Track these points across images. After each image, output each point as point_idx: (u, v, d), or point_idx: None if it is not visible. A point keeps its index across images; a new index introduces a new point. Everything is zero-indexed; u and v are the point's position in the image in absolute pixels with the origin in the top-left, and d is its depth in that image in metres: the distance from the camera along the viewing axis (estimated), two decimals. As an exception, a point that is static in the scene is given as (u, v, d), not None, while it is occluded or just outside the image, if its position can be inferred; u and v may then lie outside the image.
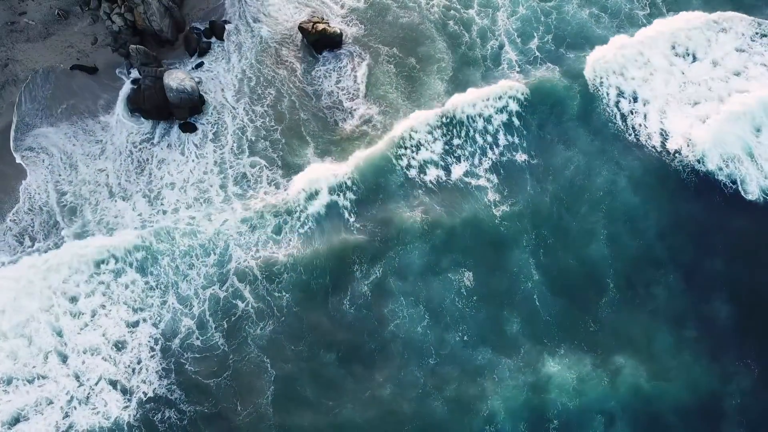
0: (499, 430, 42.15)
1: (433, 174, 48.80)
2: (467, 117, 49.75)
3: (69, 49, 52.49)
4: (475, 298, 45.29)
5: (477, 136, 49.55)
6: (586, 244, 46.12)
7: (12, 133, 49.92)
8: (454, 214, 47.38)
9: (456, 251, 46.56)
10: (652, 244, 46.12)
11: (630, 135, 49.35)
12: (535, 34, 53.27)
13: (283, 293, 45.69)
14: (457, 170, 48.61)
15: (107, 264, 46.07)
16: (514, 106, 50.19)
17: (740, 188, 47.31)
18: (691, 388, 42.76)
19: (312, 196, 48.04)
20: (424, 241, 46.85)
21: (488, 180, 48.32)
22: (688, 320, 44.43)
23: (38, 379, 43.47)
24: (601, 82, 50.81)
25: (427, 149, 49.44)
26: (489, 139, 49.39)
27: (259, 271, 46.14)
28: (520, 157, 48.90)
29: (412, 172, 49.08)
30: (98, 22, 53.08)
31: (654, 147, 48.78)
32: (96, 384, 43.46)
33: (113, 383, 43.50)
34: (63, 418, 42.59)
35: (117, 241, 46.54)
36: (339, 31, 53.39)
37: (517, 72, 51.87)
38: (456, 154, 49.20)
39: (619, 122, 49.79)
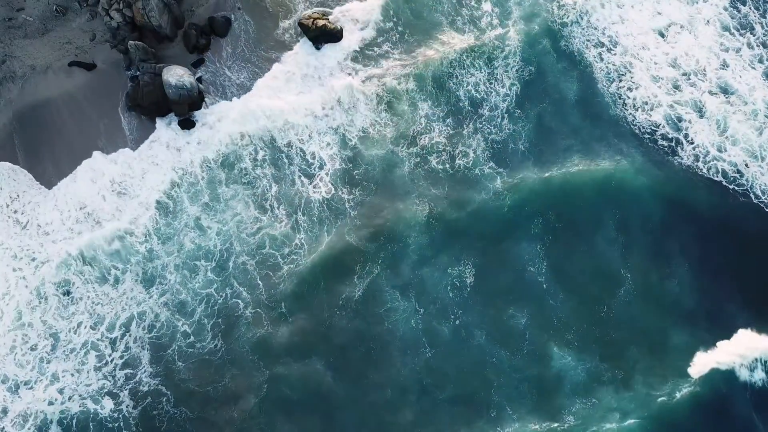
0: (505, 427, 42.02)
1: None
2: None
3: (67, 45, 52.07)
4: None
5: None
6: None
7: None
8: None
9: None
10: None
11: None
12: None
13: (281, 294, 45.52)
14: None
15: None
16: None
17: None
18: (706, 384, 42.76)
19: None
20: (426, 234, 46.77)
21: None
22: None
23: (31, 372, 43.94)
24: None
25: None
26: None
27: (257, 269, 46.01)
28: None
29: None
30: (96, 18, 52.63)
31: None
32: (88, 375, 43.86)
33: (105, 376, 43.84)
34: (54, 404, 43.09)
35: None
36: (339, 27, 52.90)
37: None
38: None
39: None
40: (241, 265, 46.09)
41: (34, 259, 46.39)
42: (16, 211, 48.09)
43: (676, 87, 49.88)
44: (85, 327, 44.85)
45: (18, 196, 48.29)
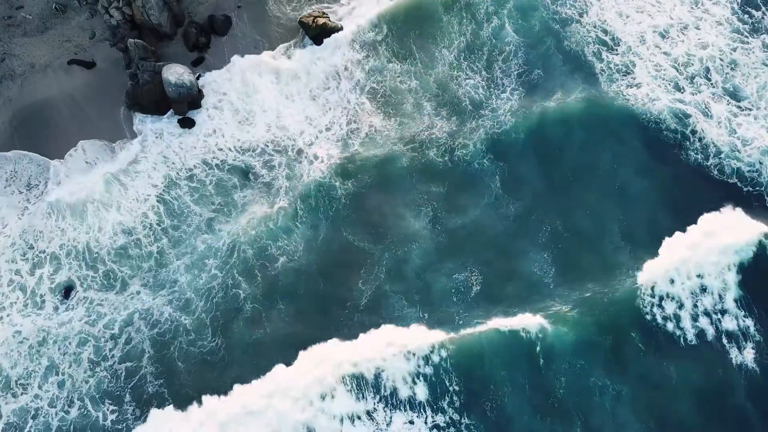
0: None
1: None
2: None
3: (66, 43, 51.88)
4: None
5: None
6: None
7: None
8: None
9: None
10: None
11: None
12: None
13: (281, 295, 45.21)
14: None
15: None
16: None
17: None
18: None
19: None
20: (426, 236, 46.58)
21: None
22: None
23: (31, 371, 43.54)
24: None
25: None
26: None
27: (260, 269, 45.83)
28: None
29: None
30: (96, 17, 52.50)
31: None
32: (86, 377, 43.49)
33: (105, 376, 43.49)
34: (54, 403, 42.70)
35: None
36: (340, 26, 52.76)
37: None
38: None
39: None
40: (242, 262, 46.00)
41: (32, 247, 46.41)
42: (29, 200, 48.02)
43: (677, 88, 49.82)
44: (84, 323, 44.73)
45: (39, 183, 48.18)
